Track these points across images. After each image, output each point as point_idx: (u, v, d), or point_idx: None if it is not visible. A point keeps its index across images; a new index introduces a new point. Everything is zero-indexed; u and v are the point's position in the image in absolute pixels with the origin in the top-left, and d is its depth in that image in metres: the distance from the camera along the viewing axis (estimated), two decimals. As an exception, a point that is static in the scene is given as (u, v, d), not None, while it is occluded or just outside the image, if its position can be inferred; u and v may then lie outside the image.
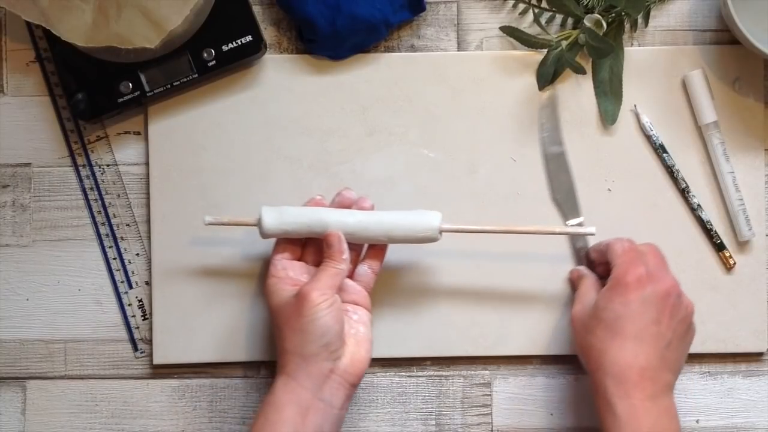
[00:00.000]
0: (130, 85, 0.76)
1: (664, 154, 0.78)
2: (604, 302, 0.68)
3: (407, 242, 0.73)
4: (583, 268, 0.76)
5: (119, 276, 0.79)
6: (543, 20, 0.79)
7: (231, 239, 0.78)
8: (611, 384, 0.66)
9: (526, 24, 0.80)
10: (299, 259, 0.74)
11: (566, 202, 0.78)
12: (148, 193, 0.79)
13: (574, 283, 0.76)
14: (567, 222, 0.78)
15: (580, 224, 0.77)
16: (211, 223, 0.74)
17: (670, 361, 0.68)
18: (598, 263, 0.75)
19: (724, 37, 0.80)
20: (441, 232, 0.72)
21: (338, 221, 0.72)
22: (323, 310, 0.68)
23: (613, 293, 0.68)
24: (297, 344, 0.69)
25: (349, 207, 0.73)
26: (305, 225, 0.72)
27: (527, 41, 0.77)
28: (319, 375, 0.69)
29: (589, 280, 0.74)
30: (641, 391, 0.66)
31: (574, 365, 0.79)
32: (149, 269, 0.79)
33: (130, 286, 0.79)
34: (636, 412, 0.65)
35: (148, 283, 0.79)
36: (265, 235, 0.72)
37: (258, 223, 0.72)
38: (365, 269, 0.74)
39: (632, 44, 0.80)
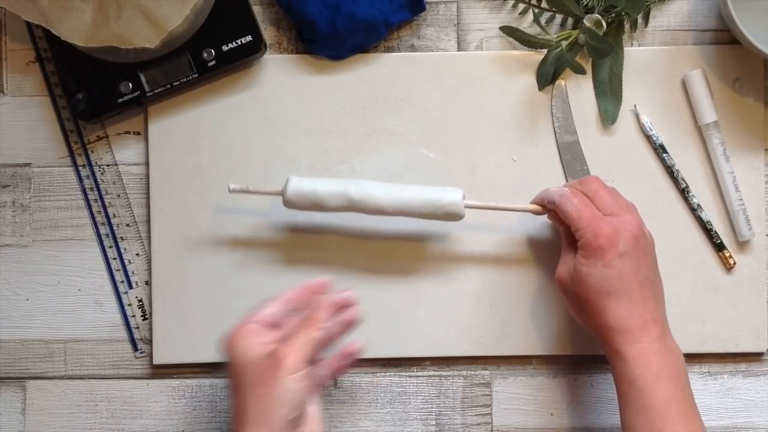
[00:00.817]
0: (130, 85, 0.76)
1: (664, 154, 0.78)
2: (587, 269, 0.68)
3: (433, 218, 0.73)
4: (555, 197, 0.72)
5: (119, 276, 0.79)
6: (543, 20, 0.79)
7: (231, 239, 0.78)
8: (617, 335, 0.67)
9: (526, 24, 0.80)
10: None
11: None
12: (148, 193, 0.79)
13: (540, 204, 0.74)
14: None
15: None
16: (236, 191, 0.74)
17: (659, 296, 0.69)
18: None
19: (724, 37, 0.80)
20: (465, 207, 0.73)
21: (366, 195, 0.72)
22: (299, 379, 0.62)
23: (590, 260, 0.67)
24: (263, 414, 0.61)
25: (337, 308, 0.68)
26: (331, 194, 0.72)
27: (527, 41, 0.77)
28: None
29: (565, 240, 0.72)
30: (647, 334, 0.67)
31: (574, 365, 0.79)
32: (149, 269, 0.79)
33: (130, 286, 0.79)
34: (645, 352, 0.66)
35: (148, 283, 0.79)
36: (288, 201, 0.73)
37: (282, 191, 0.73)
38: (326, 367, 0.69)
39: (632, 44, 0.80)
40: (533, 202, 0.75)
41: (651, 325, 0.67)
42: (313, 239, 0.78)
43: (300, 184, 0.73)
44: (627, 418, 0.66)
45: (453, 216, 0.73)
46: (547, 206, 0.73)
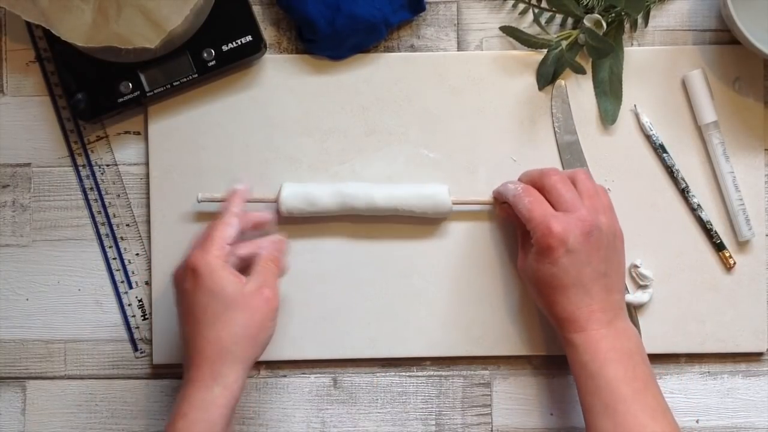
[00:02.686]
0: (130, 85, 0.76)
1: (664, 154, 0.78)
2: (537, 265, 0.70)
3: (423, 214, 0.76)
4: (515, 193, 0.73)
5: (119, 276, 0.79)
6: (543, 20, 0.79)
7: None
8: (566, 324, 0.70)
9: (526, 24, 0.80)
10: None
11: None
12: (148, 193, 0.79)
13: (508, 214, 0.75)
14: None
15: None
16: (205, 200, 0.76)
17: (612, 285, 0.71)
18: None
19: (724, 37, 0.80)
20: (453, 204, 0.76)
21: (358, 188, 0.75)
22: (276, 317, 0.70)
23: (541, 257, 0.70)
24: (243, 348, 0.68)
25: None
26: (327, 201, 0.75)
27: (527, 41, 0.77)
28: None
29: (520, 234, 0.74)
30: (595, 322, 0.69)
31: (574, 365, 0.79)
32: (149, 269, 0.79)
33: (130, 286, 0.79)
34: (592, 339, 0.69)
35: (148, 283, 0.79)
36: (285, 210, 0.75)
37: (277, 199, 0.75)
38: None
39: (632, 44, 0.80)
40: (493, 195, 0.77)
41: (598, 314, 0.69)
42: (312, 240, 0.78)
43: (293, 188, 0.75)
44: (583, 400, 0.69)
45: (441, 207, 0.75)
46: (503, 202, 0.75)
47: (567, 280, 0.69)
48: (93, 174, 0.80)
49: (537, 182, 0.73)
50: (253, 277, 0.69)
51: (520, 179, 0.75)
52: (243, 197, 0.73)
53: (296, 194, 0.75)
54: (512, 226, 0.77)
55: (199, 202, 0.76)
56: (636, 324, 0.78)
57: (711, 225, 0.78)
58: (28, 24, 0.79)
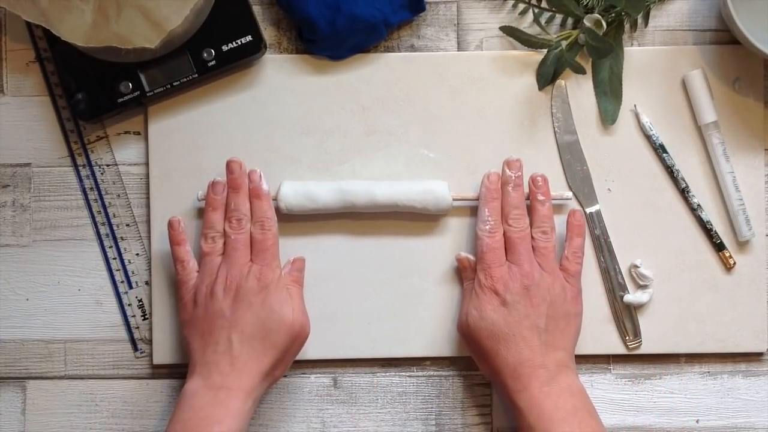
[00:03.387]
0: (130, 85, 0.76)
1: (664, 154, 0.78)
2: (478, 312, 0.72)
3: (424, 209, 0.76)
4: (473, 262, 0.76)
5: (119, 276, 0.79)
6: (543, 20, 0.79)
7: (231, 239, 0.78)
8: (509, 383, 0.71)
9: (526, 24, 0.80)
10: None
11: (582, 190, 0.78)
12: (148, 193, 0.79)
13: (462, 270, 0.77)
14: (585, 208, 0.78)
15: (597, 212, 0.78)
16: (204, 199, 0.76)
17: (554, 342, 0.71)
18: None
19: (724, 37, 0.80)
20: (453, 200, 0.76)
21: (357, 184, 0.75)
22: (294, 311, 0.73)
23: (482, 302, 0.72)
24: (279, 370, 0.73)
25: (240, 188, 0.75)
26: (327, 198, 0.75)
27: (527, 41, 0.77)
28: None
29: (466, 288, 0.76)
30: (536, 379, 0.70)
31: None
32: (149, 269, 0.79)
33: (130, 286, 0.79)
34: (535, 399, 0.69)
35: (148, 283, 0.79)
36: (284, 207, 0.75)
37: (276, 196, 0.75)
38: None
39: (632, 44, 0.80)
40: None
41: (540, 370, 0.70)
42: (312, 239, 0.78)
43: (293, 186, 0.76)
44: None
45: (441, 202, 0.75)
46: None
47: (507, 329, 0.71)
48: (93, 174, 0.80)
49: (504, 219, 0.74)
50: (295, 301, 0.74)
51: (503, 181, 0.76)
52: (268, 197, 0.75)
53: (296, 191, 0.75)
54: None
55: (199, 200, 0.76)
56: (636, 324, 0.78)
57: (711, 225, 0.78)
58: (28, 24, 0.79)
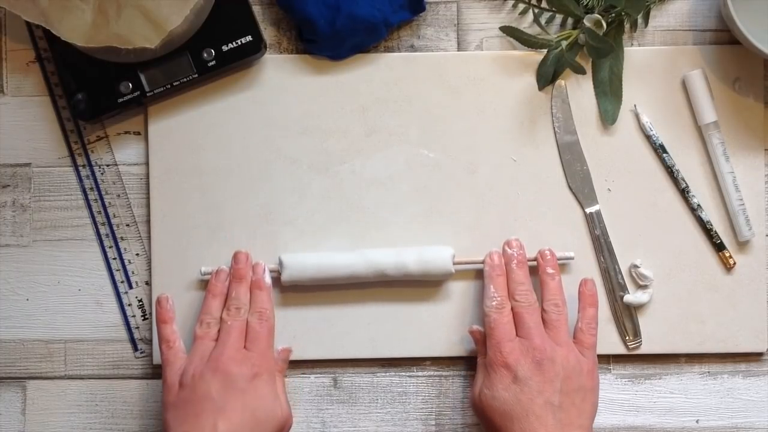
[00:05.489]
0: (130, 85, 0.76)
1: (664, 154, 0.78)
2: (490, 391, 0.70)
3: (424, 279, 0.76)
4: (479, 333, 0.75)
5: (119, 276, 0.79)
6: (543, 20, 0.79)
7: (230, 241, 0.78)
8: None
9: (526, 24, 0.80)
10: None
11: (582, 190, 0.78)
12: (148, 193, 0.79)
13: (476, 343, 0.76)
14: (586, 208, 0.78)
15: (597, 212, 0.78)
16: (207, 274, 0.77)
17: (569, 421, 0.69)
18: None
19: (724, 37, 0.80)
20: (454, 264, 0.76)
21: (364, 263, 0.75)
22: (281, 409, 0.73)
23: (493, 380, 0.70)
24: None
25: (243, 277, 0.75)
26: (322, 272, 0.75)
27: (527, 41, 0.77)
28: None
29: (481, 361, 0.74)
30: None
31: (574, 365, 0.79)
32: (149, 269, 0.79)
33: (130, 286, 0.79)
34: None
35: (148, 283, 0.79)
36: (286, 282, 0.75)
37: (279, 268, 0.75)
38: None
39: (632, 44, 0.80)
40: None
41: None
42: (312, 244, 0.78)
43: (294, 258, 0.76)
44: None
45: (443, 270, 0.75)
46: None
47: (518, 409, 0.68)
48: (93, 174, 0.80)
49: (510, 294, 0.73)
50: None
51: (506, 258, 0.75)
52: (270, 289, 0.76)
53: (297, 265, 0.75)
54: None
55: (202, 275, 0.77)
56: (636, 324, 0.78)
57: (711, 225, 0.78)
58: (28, 24, 0.79)
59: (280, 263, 0.75)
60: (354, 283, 0.77)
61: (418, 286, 0.78)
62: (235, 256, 0.76)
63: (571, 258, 0.77)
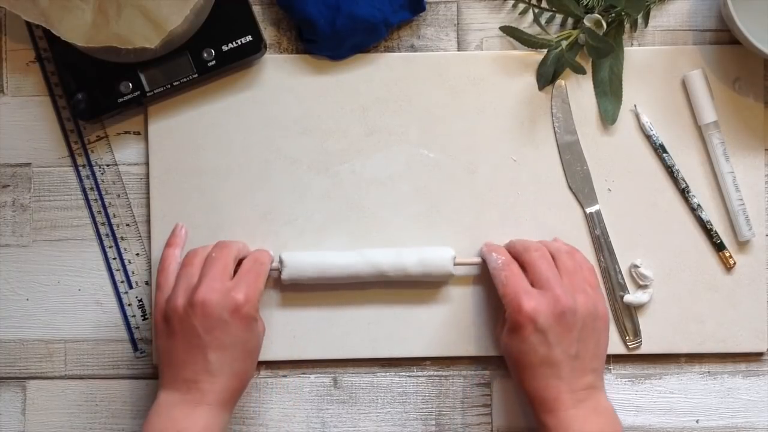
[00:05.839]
0: (130, 85, 0.76)
1: (664, 154, 0.78)
2: (508, 340, 0.71)
3: (425, 279, 0.76)
4: (500, 261, 0.73)
5: (119, 276, 0.79)
6: (543, 20, 0.79)
7: (230, 239, 0.78)
8: (536, 405, 0.70)
9: (526, 24, 0.80)
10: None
11: (582, 190, 0.78)
12: (148, 193, 0.79)
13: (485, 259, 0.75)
14: (585, 209, 0.78)
15: (597, 212, 0.78)
16: None
17: (584, 367, 0.69)
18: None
19: (724, 37, 0.80)
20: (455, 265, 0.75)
21: (364, 263, 0.75)
22: (260, 323, 0.72)
23: (511, 334, 0.70)
24: (248, 380, 0.71)
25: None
26: (322, 271, 0.75)
27: (527, 41, 0.77)
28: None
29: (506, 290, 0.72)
30: (563, 403, 0.69)
31: (574, 365, 0.79)
32: (149, 269, 0.79)
33: (130, 286, 0.79)
34: (562, 422, 0.68)
35: (148, 283, 0.79)
36: (286, 280, 0.75)
37: (280, 267, 0.75)
38: None
39: (632, 44, 0.80)
40: (479, 255, 0.77)
41: (566, 395, 0.68)
42: (312, 244, 0.78)
43: (294, 256, 0.75)
44: None
45: (443, 271, 0.75)
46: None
47: (535, 359, 0.69)
48: (93, 174, 0.80)
49: (519, 256, 0.73)
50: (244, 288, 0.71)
51: (506, 247, 0.75)
52: (270, 257, 0.75)
53: (297, 263, 0.75)
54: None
55: None
56: (636, 324, 0.78)
57: (711, 225, 0.78)
58: (28, 24, 0.79)
59: (281, 261, 0.75)
60: (354, 283, 0.77)
61: (419, 287, 0.78)
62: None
63: None
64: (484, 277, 0.78)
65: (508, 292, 0.70)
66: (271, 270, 0.75)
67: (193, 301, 0.68)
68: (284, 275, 0.75)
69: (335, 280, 0.76)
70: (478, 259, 0.76)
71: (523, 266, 0.72)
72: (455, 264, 0.75)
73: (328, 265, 0.75)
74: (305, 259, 0.75)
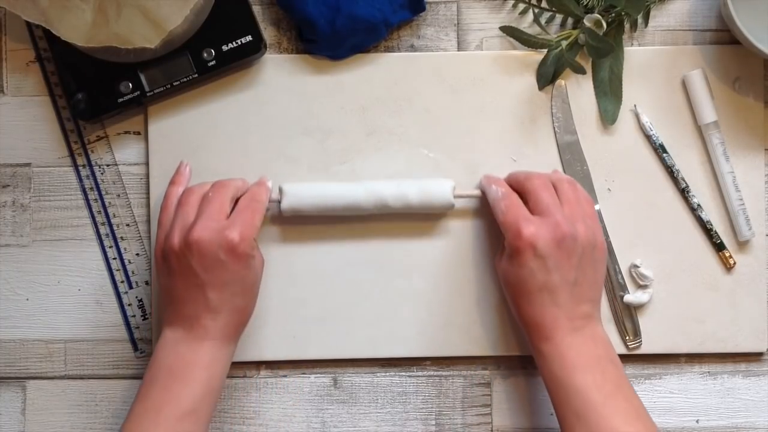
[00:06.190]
0: (130, 85, 0.76)
1: (664, 154, 0.78)
2: (507, 267, 0.71)
3: (425, 211, 0.76)
4: (498, 192, 0.73)
5: (119, 276, 0.79)
6: (543, 20, 0.79)
7: (231, 239, 0.78)
8: (533, 332, 0.70)
9: (526, 24, 0.80)
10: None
11: None
12: (148, 193, 0.79)
13: (484, 191, 0.75)
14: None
15: (597, 212, 0.78)
16: None
17: (582, 294, 0.70)
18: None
19: (724, 37, 0.80)
20: (455, 197, 0.75)
21: (364, 192, 0.74)
22: (258, 259, 0.72)
23: (510, 260, 0.70)
24: (228, 299, 0.70)
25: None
26: (323, 200, 0.74)
27: (527, 41, 0.77)
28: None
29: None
30: (560, 330, 0.69)
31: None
32: (149, 269, 0.79)
33: (130, 286, 0.79)
34: (559, 348, 0.69)
35: (148, 283, 0.79)
36: (289, 208, 0.75)
37: (280, 196, 0.75)
38: None
39: (632, 44, 0.80)
40: (479, 187, 0.77)
41: (563, 321, 0.69)
42: (313, 241, 0.78)
43: (294, 187, 0.75)
44: (557, 410, 0.68)
45: (444, 202, 0.75)
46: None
47: (534, 285, 0.69)
48: (93, 174, 0.80)
49: (520, 185, 0.73)
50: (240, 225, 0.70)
51: (507, 179, 0.75)
52: (269, 190, 0.75)
53: (297, 193, 0.75)
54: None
55: None
56: (636, 324, 0.78)
57: (711, 225, 0.78)
58: (28, 24, 0.79)
59: (281, 191, 0.75)
60: (354, 216, 0.76)
61: (419, 219, 0.78)
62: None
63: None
64: (483, 210, 0.78)
65: (507, 219, 0.70)
66: (271, 201, 0.74)
67: (188, 241, 0.68)
68: (284, 205, 0.74)
69: (336, 211, 0.75)
70: (477, 191, 0.76)
71: (524, 196, 0.72)
72: (455, 196, 0.75)
73: (329, 195, 0.74)
74: (306, 189, 0.75)
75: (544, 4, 0.79)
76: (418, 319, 0.78)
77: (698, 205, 0.78)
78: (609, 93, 0.78)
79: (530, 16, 0.79)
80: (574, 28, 0.79)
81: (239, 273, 0.69)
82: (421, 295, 0.78)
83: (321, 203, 0.75)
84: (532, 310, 0.69)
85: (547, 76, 0.78)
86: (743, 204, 0.77)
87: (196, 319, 0.69)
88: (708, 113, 0.77)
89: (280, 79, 0.79)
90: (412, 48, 0.80)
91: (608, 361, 0.69)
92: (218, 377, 0.70)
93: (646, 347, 0.78)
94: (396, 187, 0.75)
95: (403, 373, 0.79)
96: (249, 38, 0.77)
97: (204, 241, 0.68)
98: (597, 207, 0.78)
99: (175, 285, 0.70)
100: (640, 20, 0.80)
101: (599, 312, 0.72)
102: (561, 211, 0.70)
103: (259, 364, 0.79)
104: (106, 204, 0.79)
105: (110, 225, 0.79)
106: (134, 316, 0.79)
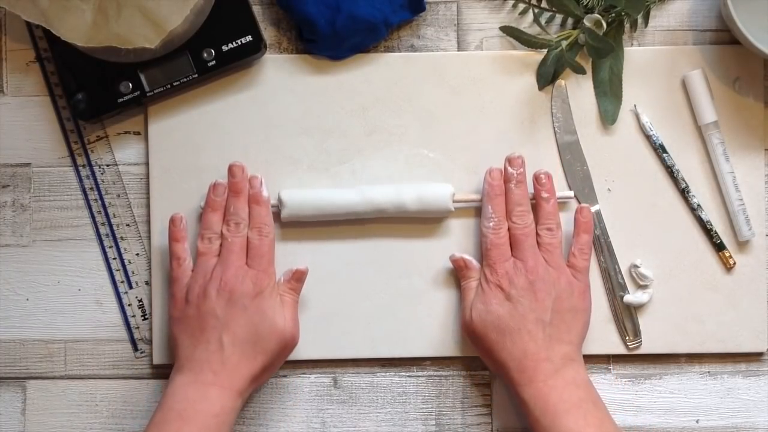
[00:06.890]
0: (130, 85, 0.76)
1: (664, 154, 0.78)
2: (485, 306, 0.73)
3: (424, 216, 0.76)
4: (468, 261, 0.76)
5: (119, 276, 0.79)
6: (543, 20, 0.79)
7: (231, 239, 0.78)
8: (515, 376, 0.71)
9: (526, 24, 0.80)
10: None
11: (582, 190, 0.78)
12: (148, 193, 0.79)
13: (458, 270, 0.77)
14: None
15: (597, 212, 0.78)
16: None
17: (560, 336, 0.72)
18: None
19: (724, 37, 0.80)
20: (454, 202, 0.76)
21: (363, 199, 0.75)
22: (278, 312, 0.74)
23: (488, 297, 0.73)
24: (260, 371, 0.72)
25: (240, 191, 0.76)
26: (321, 209, 0.75)
27: (527, 41, 0.77)
28: None
29: (472, 283, 0.75)
30: (541, 372, 0.70)
31: (574, 365, 0.79)
32: (149, 269, 0.79)
33: (130, 286, 0.79)
34: (540, 393, 0.70)
35: (148, 283, 0.79)
36: (288, 215, 0.75)
37: (279, 205, 0.75)
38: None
39: (632, 44, 0.80)
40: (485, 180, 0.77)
41: (544, 363, 0.71)
42: (313, 241, 0.78)
43: (293, 194, 0.75)
44: None
45: (443, 208, 0.76)
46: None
47: (512, 323, 0.71)
48: (93, 174, 0.80)
49: (509, 214, 0.75)
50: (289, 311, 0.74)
51: (505, 179, 0.76)
52: (268, 203, 0.76)
53: (296, 199, 0.75)
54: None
55: (201, 208, 0.76)
56: (636, 324, 0.78)
57: (711, 225, 0.78)
58: (28, 24, 0.79)
59: (280, 200, 0.76)
60: (353, 219, 0.76)
61: (418, 222, 0.78)
62: (230, 170, 0.76)
63: (571, 197, 0.77)
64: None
65: (491, 255, 0.74)
66: (271, 207, 0.76)
67: (219, 288, 0.71)
68: (284, 215, 0.75)
69: (334, 217, 0.76)
70: (477, 196, 0.77)
71: (509, 232, 0.74)
72: (454, 201, 0.76)
73: (328, 203, 0.75)
74: (305, 197, 0.75)
75: (544, 4, 0.79)
76: (418, 319, 0.78)
77: (698, 205, 0.78)
78: (609, 93, 0.78)
79: (530, 16, 0.79)
80: (574, 28, 0.79)
81: (255, 319, 0.71)
82: (421, 295, 0.78)
83: (320, 212, 0.75)
84: (513, 349, 0.71)
85: (547, 76, 0.78)
86: (743, 204, 0.77)
87: (207, 362, 0.70)
88: (708, 113, 0.77)
89: (280, 79, 0.79)
90: (412, 48, 0.80)
91: (591, 403, 0.70)
92: (227, 427, 0.70)
93: (646, 347, 0.78)
94: (395, 193, 0.75)
95: (403, 373, 0.79)
96: (249, 38, 0.77)
97: (228, 286, 0.71)
98: (597, 207, 0.78)
99: (191, 329, 0.72)
100: (640, 20, 0.80)
101: (581, 356, 0.73)
102: (536, 257, 0.73)
103: (259, 364, 0.79)
104: (106, 204, 0.79)
105: (110, 225, 0.79)
106: (134, 316, 0.79)
